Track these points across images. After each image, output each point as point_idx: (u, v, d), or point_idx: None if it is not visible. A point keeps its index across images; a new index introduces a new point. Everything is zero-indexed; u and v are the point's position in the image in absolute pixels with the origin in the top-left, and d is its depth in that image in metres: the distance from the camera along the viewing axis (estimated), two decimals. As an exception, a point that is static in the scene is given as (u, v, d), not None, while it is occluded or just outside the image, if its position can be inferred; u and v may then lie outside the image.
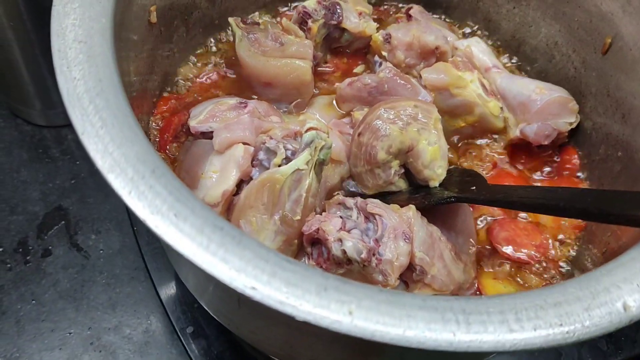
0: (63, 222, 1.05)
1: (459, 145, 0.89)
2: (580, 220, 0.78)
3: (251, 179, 0.72)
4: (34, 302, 0.95)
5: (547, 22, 0.88)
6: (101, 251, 1.01)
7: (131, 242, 1.01)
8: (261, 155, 0.72)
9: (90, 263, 1.00)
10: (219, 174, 0.72)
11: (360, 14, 0.90)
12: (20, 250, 1.00)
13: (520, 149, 0.88)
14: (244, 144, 0.73)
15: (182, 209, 0.46)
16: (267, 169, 0.72)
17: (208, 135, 0.76)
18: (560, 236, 0.80)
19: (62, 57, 0.51)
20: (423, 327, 0.43)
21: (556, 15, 0.86)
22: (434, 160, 0.77)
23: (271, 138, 0.73)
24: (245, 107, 0.77)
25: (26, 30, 0.94)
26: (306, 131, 0.72)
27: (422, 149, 0.76)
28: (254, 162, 0.73)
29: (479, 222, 0.81)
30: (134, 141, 0.48)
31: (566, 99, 0.84)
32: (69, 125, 1.11)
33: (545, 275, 0.77)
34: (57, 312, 0.94)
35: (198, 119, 0.75)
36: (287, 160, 0.71)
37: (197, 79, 0.88)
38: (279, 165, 0.70)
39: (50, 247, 1.01)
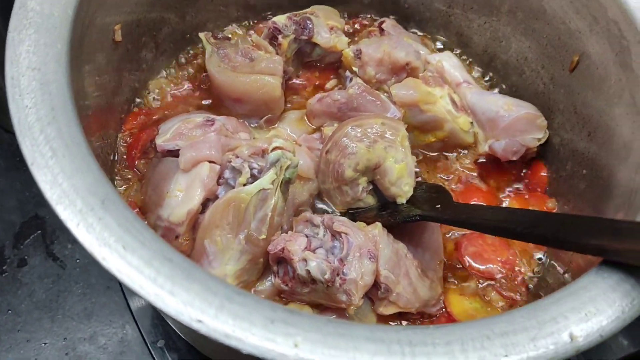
0: (39, 231, 1.05)
1: (429, 159, 0.89)
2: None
3: (217, 197, 0.72)
4: (9, 312, 0.95)
5: (517, 38, 0.89)
6: (77, 260, 1.01)
7: (106, 252, 1.00)
8: (227, 174, 0.73)
9: (66, 273, 0.99)
10: (184, 193, 0.72)
11: (331, 28, 0.90)
12: (-4, 259, 1.00)
13: (489, 164, 0.88)
14: (210, 162, 0.73)
15: (131, 241, 0.46)
16: (233, 187, 0.72)
17: (175, 153, 0.75)
18: (527, 252, 0.81)
19: (15, 85, 0.51)
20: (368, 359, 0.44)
21: (526, 32, 0.87)
22: (401, 177, 0.77)
23: (237, 157, 0.73)
24: (212, 124, 0.76)
25: (2, 37, 0.94)
26: (272, 150, 0.72)
27: (389, 167, 0.77)
28: (219, 180, 0.73)
29: (447, 236, 0.81)
30: (85, 171, 0.48)
31: (534, 116, 0.84)
32: None
33: (510, 292, 0.77)
34: (32, 322, 0.94)
35: (164, 137, 0.75)
36: (253, 179, 0.71)
37: (168, 94, 0.88)
38: (245, 185, 0.70)
39: (26, 257, 1.01)
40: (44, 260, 1.01)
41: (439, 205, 0.75)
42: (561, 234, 0.57)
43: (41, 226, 1.05)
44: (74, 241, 1.01)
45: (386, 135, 0.77)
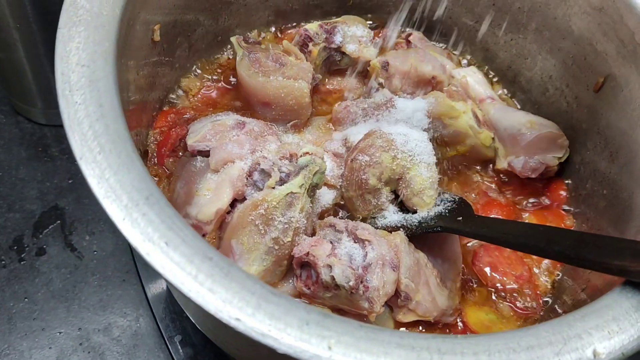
0: (59, 221, 1.06)
1: (450, 171, 0.90)
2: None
3: (245, 198, 0.74)
4: (26, 300, 0.96)
5: (543, 56, 0.90)
6: (94, 252, 1.02)
7: (124, 245, 1.02)
8: (256, 175, 0.74)
9: (83, 264, 1.01)
10: (213, 192, 0.74)
11: (360, 38, 0.91)
12: (16, 247, 1.02)
13: (509, 178, 0.90)
14: (239, 162, 0.75)
15: (173, 238, 0.47)
16: (261, 189, 0.73)
17: (205, 153, 0.77)
18: (544, 267, 0.82)
19: (65, 81, 0.53)
20: (399, 365, 0.45)
21: (552, 50, 0.88)
22: (424, 189, 0.78)
23: (266, 158, 0.74)
24: (243, 127, 0.78)
25: (32, 31, 0.96)
26: (302, 155, 0.73)
27: (412, 178, 0.78)
28: (248, 182, 0.74)
29: (468, 246, 0.83)
30: (130, 168, 0.50)
31: (556, 135, 0.86)
32: None
33: (526, 305, 0.79)
34: (48, 311, 0.95)
35: (195, 138, 0.77)
36: (281, 182, 0.73)
37: (198, 94, 0.90)
38: (273, 187, 0.72)
39: (45, 246, 1.03)
40: (62, 251, 1.02)
41: (460, 218, 0.76)
42: (582, 252, 0.58)
43: (60, 217, 1.07)
44: (92, 233, 1.04)
45: (411, 147, 0.79)
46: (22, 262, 1.00)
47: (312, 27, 0.89)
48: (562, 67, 0.87)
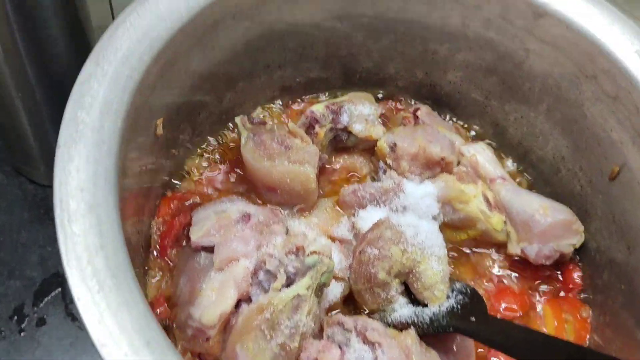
0: (59, 289, 1.04)
1: (459, 256, 0.88)
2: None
3: (249, 298, 0.71)
4: (26, 374, 0.94)
5: (555, 137, 0.88)
6: (95, 322, 1.00)
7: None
8: (261, 275, 0.71)
9: (84, 334, 0.97)
10: (217, 293, 0.71)
11: (367, 117, 0.90)
12: (16, 317, 0.99)
13: (521, 262, 0.87)
14: (244, 261, 0.72)
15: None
16: (266, 290, 0.71)
17: (209, 249, 0.75)
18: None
19: (64, 209, 0.51)
20: None
21: (564, 132, 0.86)
22: (435, 283, 0.76)
23: (272, 256, 0.72)
24: (248, 220, 0.76)
25: (35, 100, 0.95)
26: (309, 254, 0.71)
27: (423, 272, 0.76)
28: (253, 281, 0.72)
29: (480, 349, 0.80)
30: (132, 307, 0.47)
31: (570, 221, 0.83)
32: None
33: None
34: (49, 385, 0.93)
35: (199, 234, 0.75)
36: (288, 280, 0.70)
37: (201, 177, 0.88)
38: (279, 290, 0.69)
39: (45, 316, 1.00)
40: (63, 320, 1.00)
41: (473, 318, 0.73)
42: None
43: (61, 284, 1.04)
44: None
45: (421, 240, 0.76)
46: (22, 334, 0.97)
47: (319, 108, 0.87)
48: (575, 149, 0.85)
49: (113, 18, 1.10)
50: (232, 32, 0.77)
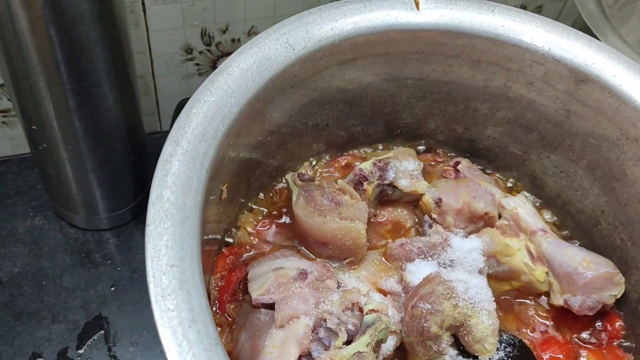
0: (102, 331, 1.08)
1: (504, 306, 0.91)
2: None
3: (309, 354, 0.75)
4: (74, 419, 0.97)
5: (595, 192, 0.91)
6: (138, 365, 1.02)
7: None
8: (321, 333, 0.75)
9: (127, 375, 1.02)
10: (279, 350, 0.75)
11: (411, 173, 0.93)
12: (61, 361, 1.02)
13: (563, 313, 0.90)
14: (304, 318, 0.76)
15: None
16: (327, 346, 0.74)
17: (268, 305, 0.78)
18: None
19: (157, 285, 0.55)
20: None
21: (604, 188, 0.89)
22: (485, 336, 0.79)
23: (331, 314, 0.76)
24: (305, 277, 0.80)
25: (81, 151, 0.99)
26: (367, 313, 0.75)
27: (473, 326, 0.79)
28: (313, 337, 0.75)
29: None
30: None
31: (612, 274, 0.86)
32: (110, 229, 1.16)
33: None
34: None
35: (259, 292, 0.79)
36: (347, 336, 0.74)
37: (254, 231, 0.92)
38: (340, 347, 0.73)
39: (89, 359, 1.03)
40: (106, 362, 1.03)
41: (524, 371, 0.76)
42: None
43: (103, 326, 1.08)
44: (135, 343, 1.05)
45: (472, 295, 0.80)
46: (66, 379, 1.01)
47: (366, 166, 0.91)
48: (616, 205, 0.88)
49: (152, 68, 1.15)
50: (289, 100, 0.82)
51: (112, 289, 1.12)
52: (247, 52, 0.74)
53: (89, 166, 1.02)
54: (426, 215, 0.93)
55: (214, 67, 1.21)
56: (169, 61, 1.17)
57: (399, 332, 0.82)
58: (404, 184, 0.93)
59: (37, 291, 1.10)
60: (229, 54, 0.75)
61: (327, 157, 1.01)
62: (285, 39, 0.76)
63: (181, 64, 1.18)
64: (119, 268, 1.15)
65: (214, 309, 0.83)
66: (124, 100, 0.96)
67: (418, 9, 0.85)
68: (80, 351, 1.04)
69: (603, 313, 0.90)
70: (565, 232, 0.99)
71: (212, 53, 1.18)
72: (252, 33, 1.16)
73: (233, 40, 1.17)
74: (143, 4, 1.04)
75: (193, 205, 0.61)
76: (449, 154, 1.05)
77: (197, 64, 1.20)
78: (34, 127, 0.95)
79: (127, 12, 0.98)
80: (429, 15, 0.84)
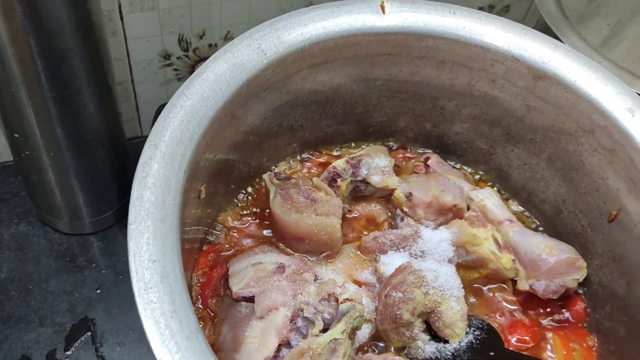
0: (89, 333, 1.10)
1: (472, 293, 0.95)
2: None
3: (289, 343, 0.79)
4: (62, 421, 0.99)
5: (556, 182, 0.96)
6: (126, 364, 1.04)
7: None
8: (299, 322, 0.79)
9: (115, 376, 1.04)
10: (260, 340, 0.79)
11: (383, 169, 0.98)
12: (49, 363, 1.04)
13: (529, 297, 0.94)
14: (283, 309, 0.80)
15: None
16: (305, 335, 0.78)
17: (248, 298, 0.82)
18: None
19: (140, 279, 0.58)
20: None
21: (564, 178, 0.94)
22: (455, 321, 0.84)
23: (308, 305, 0.80)
24: (283, 272, 0.84)
25: (63, 158, 1.00)
26: (342, 302, 0.79)
27: (443, 312, 0.83)
28: (291, 326, 0.79)
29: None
30: (204, 363, 0.55)
31: (574, 259, 0.91)
32: (94, 233, 1.18)
33: None
34: None
35: (240, 285, 0.82)
36: (324, 324, 0.78)
37: (233, 228, 0.95)
38: (317, 335, 0.77)
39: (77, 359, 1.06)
40: (94, 363, 1.05)
41: (492, 353, 0.81)
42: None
43: (90, 328, 1.10)
44: (122, 343, 1.08)
45: (442, 283, 0.84)
46: (55, 378, 1.03)
47: (340, 164, 0.96)
48: (575, 194, 0.93)
49: (131, 75, 1.17)
50: (263, 103, 0.86)
51: (98, 291, 1.14)
52: (221, 58, 0.78)
53: (71, 172, 1.04)
54: (398, 209, 0.97)
55: (192, 72, 1.23)
56: (148, 68, 1.20)
57: (373, 320, 0.86)
58: (376, 179, 0.97)
59: (23, 296, 1.11)
60: (206, 58, 0.78)
61: (302, 157, 1.05)
62: (257, 45, 0.80)
63: (160, 70, 1.21)
64: (103, 271, 1.17)
65: (197, 304, 0.87)
66: (104, 107, 0.98)
67: (384, 12, 0.89)
68: (68, 352, 1.06)
69: (567, 296, 0.95)
70: (531, 221, 1.04)
71: (189, 58, 1.22)
72: (228, 38, 1.20)
73: (210, 45, 1.21)
74: (120, 12, 1.07)
75: (172, 204, 0.65)
76: (419, 150, 1.09)
77: (176, 70, 1.23)
78: (16, 136, 0.97)
79: (105, 21, 1.01)
80: (395, 19, 0.88)
